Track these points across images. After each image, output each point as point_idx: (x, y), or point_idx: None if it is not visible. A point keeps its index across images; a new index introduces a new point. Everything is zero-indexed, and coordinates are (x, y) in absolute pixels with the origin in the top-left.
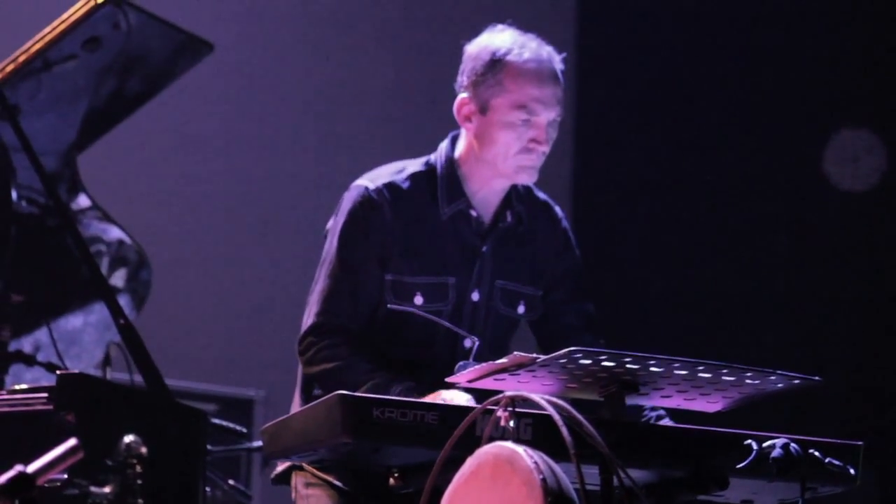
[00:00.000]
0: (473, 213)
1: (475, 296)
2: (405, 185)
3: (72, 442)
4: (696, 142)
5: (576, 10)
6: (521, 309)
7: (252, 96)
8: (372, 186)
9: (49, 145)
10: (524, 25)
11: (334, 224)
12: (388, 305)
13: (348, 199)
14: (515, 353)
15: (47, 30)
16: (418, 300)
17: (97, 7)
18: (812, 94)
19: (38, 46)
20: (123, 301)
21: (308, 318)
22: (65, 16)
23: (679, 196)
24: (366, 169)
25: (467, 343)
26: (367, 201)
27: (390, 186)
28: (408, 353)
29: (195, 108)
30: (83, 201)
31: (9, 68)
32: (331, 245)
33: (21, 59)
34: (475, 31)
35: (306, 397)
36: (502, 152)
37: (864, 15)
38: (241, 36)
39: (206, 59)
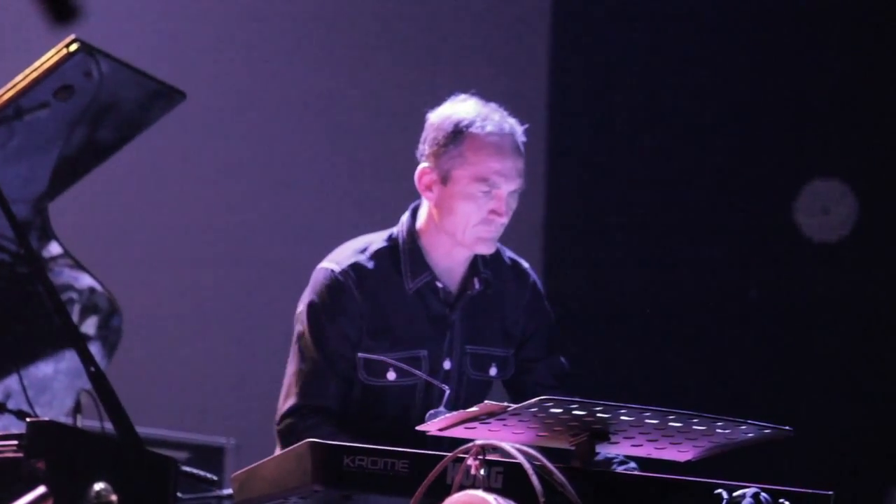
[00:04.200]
0: (439, 284)
1: (447, 364)
2: (370, 265)
3: (42, 489)
4: (665, 192)
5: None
6: (492, 371)
7: (230, 156)
8: (337, 269)
9: (20, 193)
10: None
11: (303, 308)
12: (363, 381)
13: (314, 283)
14: (486, 401)
15: (19, 78)
16: (391, 376)
17: (69, 55)
18: (782, 144)
19: (9, 94)
20: (94, 348)
21: (287, 400)
22: (37, 64)
23: (648, 246)
24: (337, 229)
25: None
26: (335, 284)
27: (355, 267)
28: (384, 426)
29: (167, 156)
30: (54, 249)
31: None
32: (303, 328)
33: None
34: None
35: None
36: (461, 223)
37: (834, 65)
38: (213, 79)
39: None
